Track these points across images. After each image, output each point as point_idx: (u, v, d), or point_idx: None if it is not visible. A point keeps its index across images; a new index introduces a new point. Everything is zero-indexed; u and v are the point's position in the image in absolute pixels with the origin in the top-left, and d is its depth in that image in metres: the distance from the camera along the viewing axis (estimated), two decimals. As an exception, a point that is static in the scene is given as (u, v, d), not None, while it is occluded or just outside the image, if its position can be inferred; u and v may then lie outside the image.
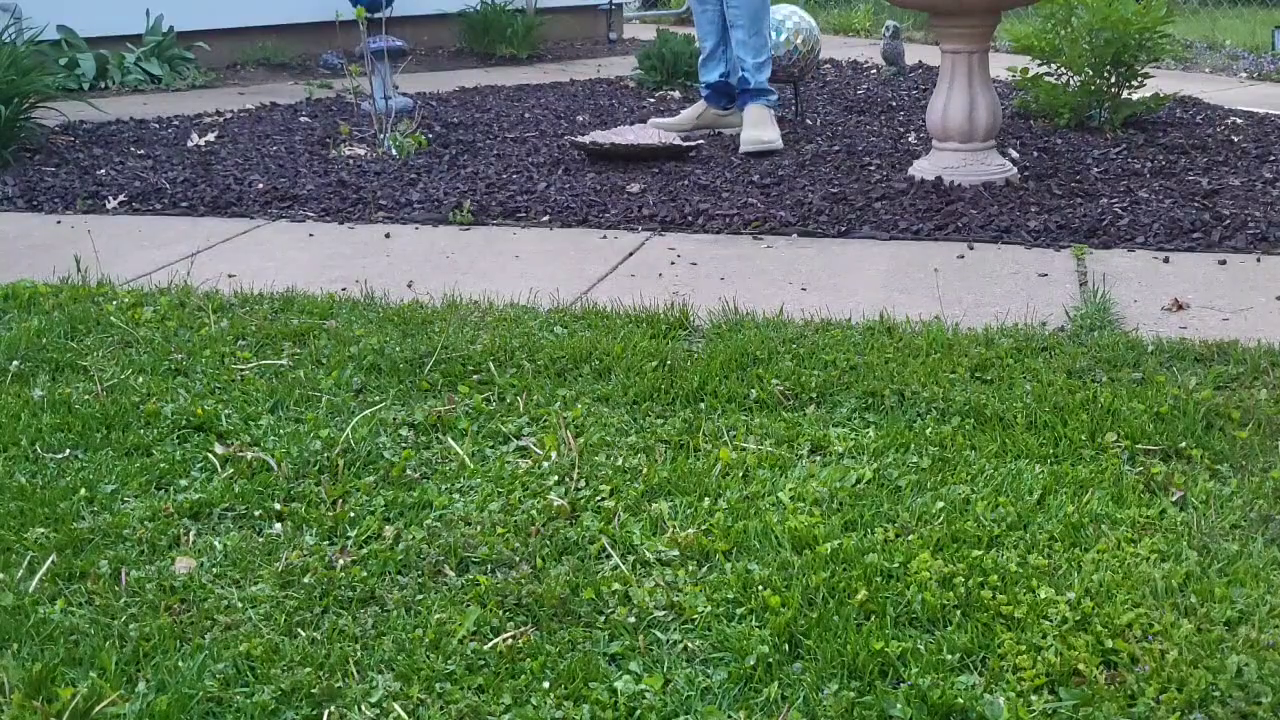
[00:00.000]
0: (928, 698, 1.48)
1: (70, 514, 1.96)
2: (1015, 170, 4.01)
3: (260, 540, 1.88)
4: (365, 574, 1.78)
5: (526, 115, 5.48)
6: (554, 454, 2.12)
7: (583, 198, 3.93)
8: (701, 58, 4.88)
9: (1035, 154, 4.37)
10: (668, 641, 1.62)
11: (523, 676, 1.56)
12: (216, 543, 1.88)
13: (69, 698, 1.49)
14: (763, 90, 4.65)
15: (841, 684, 1.52)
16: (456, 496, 2.00)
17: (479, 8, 7.64)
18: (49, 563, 1.82)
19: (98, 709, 1.49)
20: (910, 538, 1.83)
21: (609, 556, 1.82)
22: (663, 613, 1.68)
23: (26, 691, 1.52)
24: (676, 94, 5.93)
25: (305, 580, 1.77)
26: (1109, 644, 1.57)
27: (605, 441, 2.18)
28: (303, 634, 1.65)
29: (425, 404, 2.34)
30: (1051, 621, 1.62)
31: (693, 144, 4.50)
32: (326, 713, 1.50)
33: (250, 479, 2.07)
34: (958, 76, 3.90)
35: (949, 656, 1.56)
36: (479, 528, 1.90)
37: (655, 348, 2.56)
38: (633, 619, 1.66)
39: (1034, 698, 1.49)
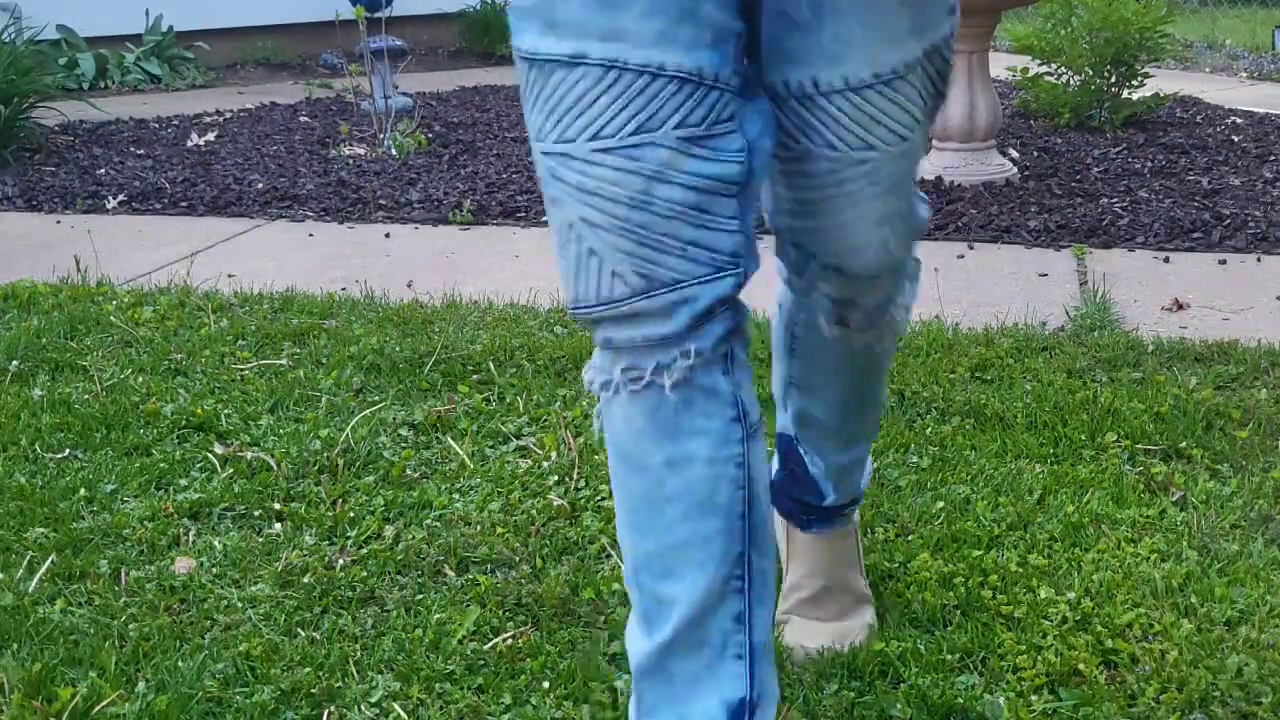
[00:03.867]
0: (928, 698, 1.48)
1: (70, 514, 1.96)
2: (1015, 170, 4.01)
3: (260, 540, 1.88)
4: (365, 574, 1.78)
5: (526, 115, 5.48)
6: (554, 454, 2.12)
7: (583, 197, 3.93)
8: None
9: (1035, 154, 4.37)
10: (668, 641, 1.62)
11: (523, 676, 1.55)
12: (216, 543, 1.87)
13: (69, 698, 1.49)
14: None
15: (841, 684, 1.52)
16: (456, 496, 2.00)
17: (479, 8, 7.64)
18: (49, 563, 1.82)
19: (98, 709, 1.49)
20: (910, 538, 1.83)
21: (609, 556, 1.82)
22: (663, 613, 1.67)
23: (26, 691, 1.51)
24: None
25: (305, 580, 1.76)
26: (1109, 644, 1.57)
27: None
28: (302, 634, 1.65)
29: (425, 404, 2.34)
30: (1051, 621, 1.62)
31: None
32: (326, 713, 1.50)
33: (250, 479, 2.07)
34: (958, 76, 3.90)
35: (949, 656, 1.56)
36: (479, 528, 1.90)
37: (655, 348, 2.56)
38: (633, 619, 1.66)
39: (1034, 698, 1.49)
